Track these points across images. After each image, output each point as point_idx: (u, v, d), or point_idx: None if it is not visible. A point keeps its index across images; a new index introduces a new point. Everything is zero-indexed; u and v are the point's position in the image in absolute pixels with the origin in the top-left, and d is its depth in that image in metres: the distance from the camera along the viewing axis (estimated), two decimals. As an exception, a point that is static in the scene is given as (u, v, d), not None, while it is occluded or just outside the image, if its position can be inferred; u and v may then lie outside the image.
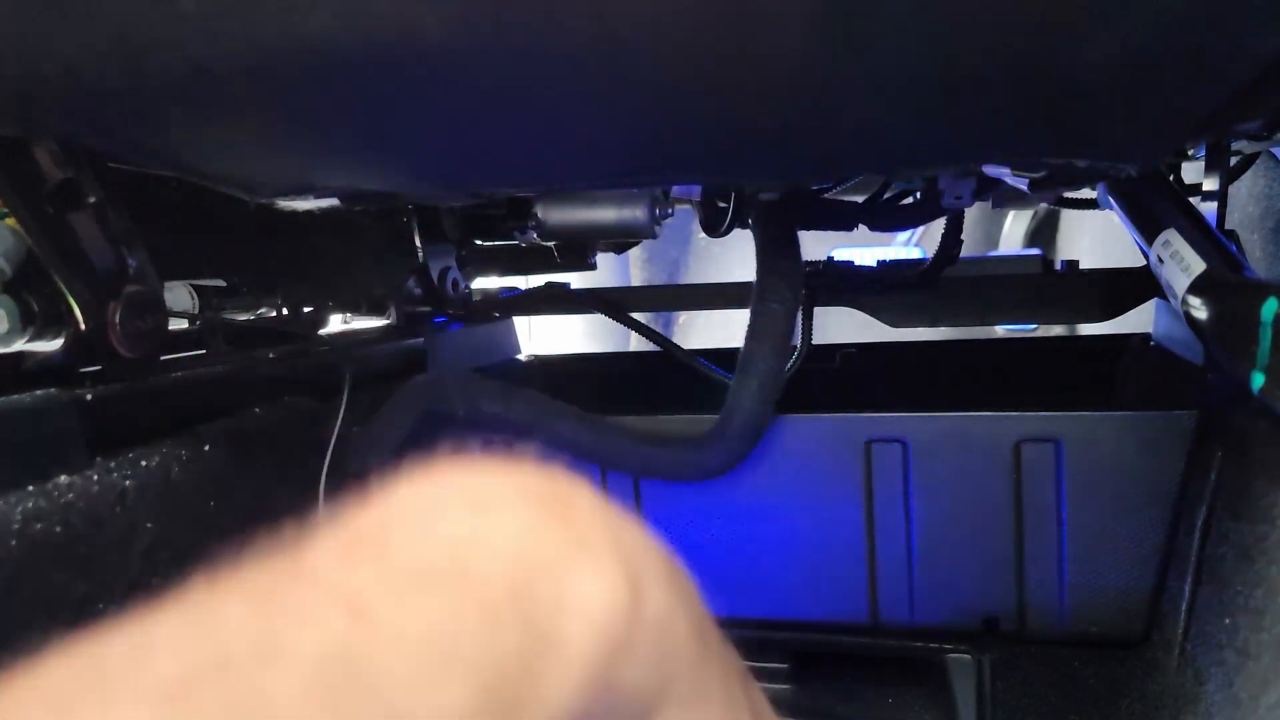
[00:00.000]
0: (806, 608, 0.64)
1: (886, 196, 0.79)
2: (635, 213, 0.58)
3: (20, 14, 0.30)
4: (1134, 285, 0.72)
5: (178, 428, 0.47)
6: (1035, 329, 1.45)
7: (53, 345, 0.47)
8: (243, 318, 0.63)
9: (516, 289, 0.91)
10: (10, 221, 0.45)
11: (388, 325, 0.75)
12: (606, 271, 1.07)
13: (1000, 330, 1.43)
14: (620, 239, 0.77)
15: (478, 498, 0.19)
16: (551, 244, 0.81)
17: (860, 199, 0.78)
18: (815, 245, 0.71)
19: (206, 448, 0.48)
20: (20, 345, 0.46)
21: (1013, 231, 1.92)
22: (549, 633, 0.17)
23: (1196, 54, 0.32)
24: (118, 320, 0.47)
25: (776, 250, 0.59)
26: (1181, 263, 0.51)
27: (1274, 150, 0.88)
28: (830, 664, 0.67)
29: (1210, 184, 0.60)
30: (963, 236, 0.73)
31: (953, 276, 0.74)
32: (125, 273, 0.48)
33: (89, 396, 0.43)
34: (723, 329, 2.14)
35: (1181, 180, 0.68)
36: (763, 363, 0.56)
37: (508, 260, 0.89)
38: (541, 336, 1.69)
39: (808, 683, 0.67)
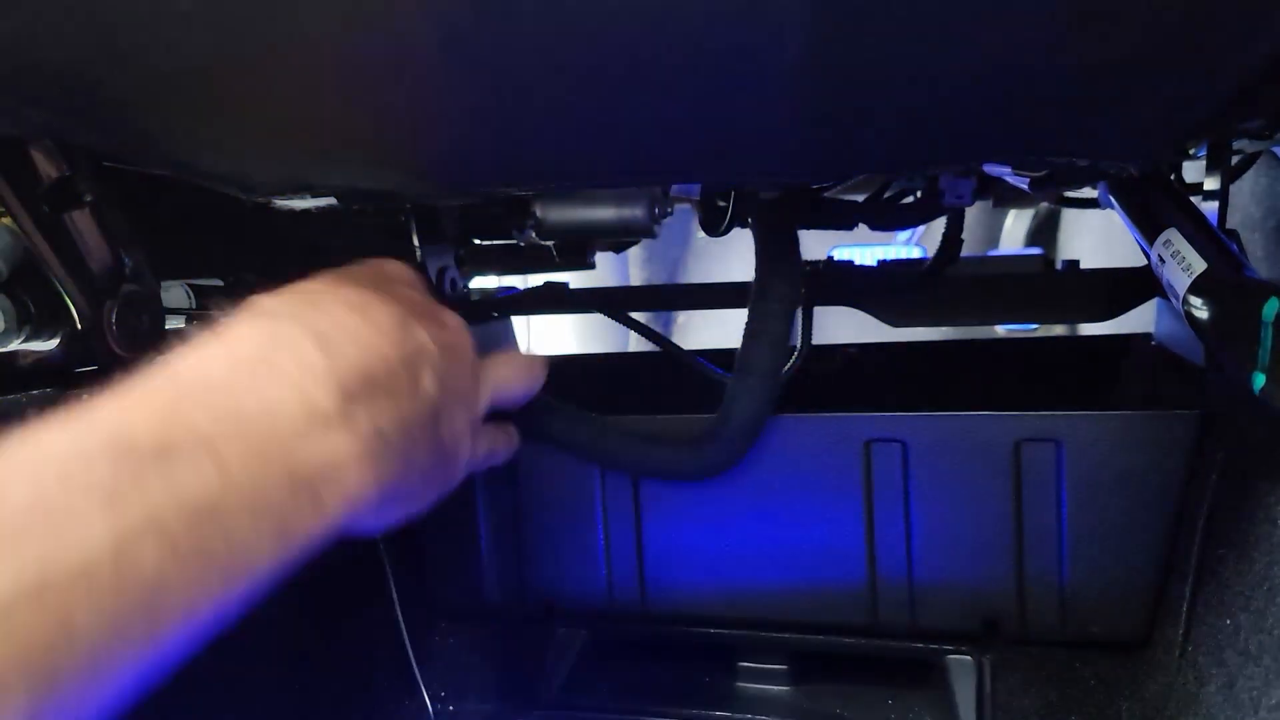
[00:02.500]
0: (805, 608, 0.64)
1: (887, 195, 0.79)
2: (635, 212, 0.58)
3: (17, 13, 0.30)
4: (1135, 285, 0.71)
5: (174, 428, 0.47)
6: (1036, 329, 1.45)
7: (49, 345, 0.47)
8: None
9: (515, 288, 0.90)
10: (6, 221, 0.45)
11: (386, 325, 0.74)
12: (606, 271, 1.07)
13: (1001, 330, 1.43)
14: (619, 238, 0.77)
15: None
16: (550, 243, 0.80)
17: (860, 198, 0.78)
18: (815, 245, 0.71)
19: (203, 448, 0.47)
20: (16, 345, 0.46)
21: (1013, 231, 1.92)
22: None
23: (1197, 54, 0.32)
24: (114, 320, 0.47)
25: (776, 250, 0.58)
26: (1183, 262, 0.51)
27: (1275, 149, 0.88)
28: (829, 665, 0.67)
29: (1211, 183, 0.60)
30: (963, 236, 0.73)
31: (953, 276, 0.74)
32: (122, 272, 0.48)
33: (85, 396, 0.43)
34: (723, 329, 2.14)
35: (1183, 180, 0.67)
36: (761, 362, 0.56)
37: (506, 259, 0.89)
38: (540, 336, 1.69)
39: (807, 684, 0.67)
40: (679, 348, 0.76)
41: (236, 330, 0.32)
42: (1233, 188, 0.78)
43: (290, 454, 0.29)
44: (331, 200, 0.47)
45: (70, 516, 0.23)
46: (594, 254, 0.88)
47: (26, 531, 0.22)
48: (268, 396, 0.30)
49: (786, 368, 0.60)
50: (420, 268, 0.75)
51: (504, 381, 0.46)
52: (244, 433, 0.28)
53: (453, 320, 0.42)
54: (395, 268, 0.43)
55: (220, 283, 0.61)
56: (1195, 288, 0.49)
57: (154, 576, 0.24)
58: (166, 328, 0.51)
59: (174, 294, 0.56)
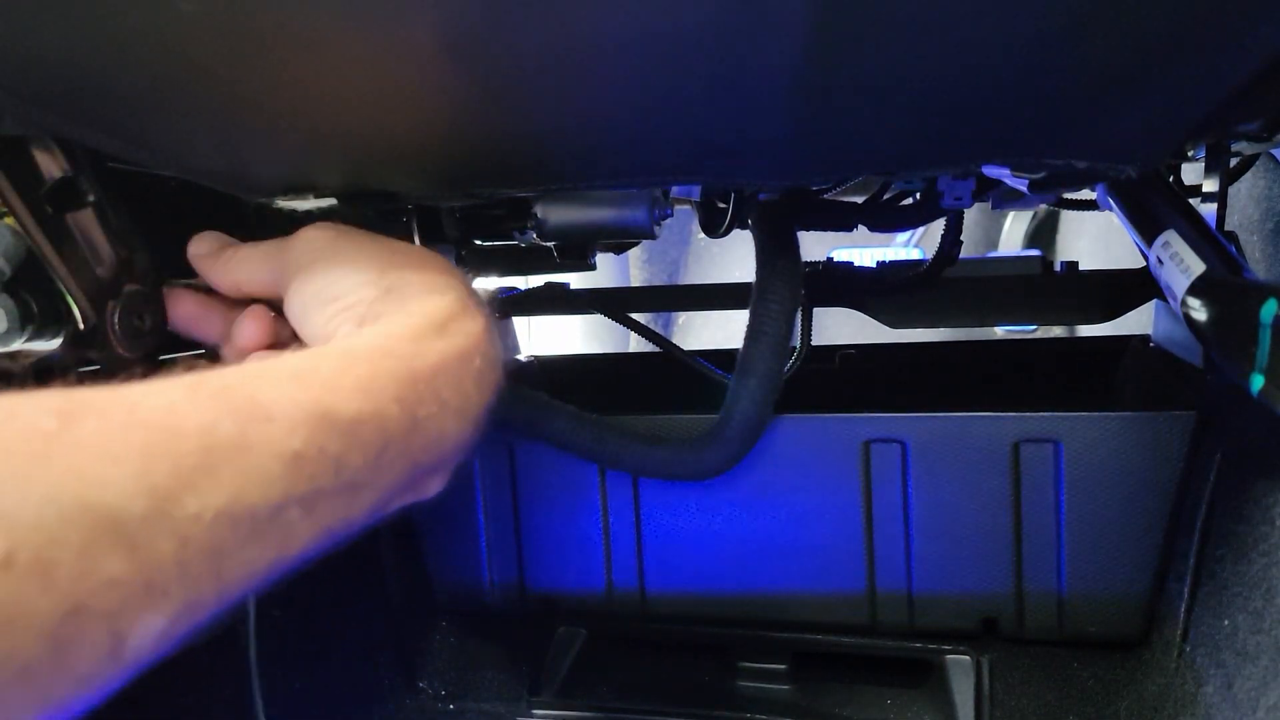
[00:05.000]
0: (805, 608, 0.64)
1: (886, 197, 0.79)
2: (635, 213, 0.58)
3: (19, 13, 0.30)
4: (1134, 286, 0.72)
5: (176, 427, 0.47)
6: (1034, 330, 1.46)
7: (51, 345, 0.47)
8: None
9: (516, 289, 0.91)
10: (9, 221, 0.45)
11: (387, 325, 0.74)
12: (606, 271, 1.07)
13: (999, 331, 1.43)
14: (620, 239, 0.77)
15: None
16: (551, 244, 0.81)
17: (860, 199, 0.78)
18: (815, 245, 0.71)
19: (205, 447, 0.47)
20: (19, 345, 0.46)
21: (1012, 232, 1.92)
22: None
23: (1196, 54, 0.32)
24: (117, 319, 0.47)
25: (776, 250, 0.59)
26: (1181, 264, 0.51)
27: (1274, 152, 0.88)
28: (829, 664, 0.67)
29: (1210, 185, 0.60)
30: (962, 237, 0.73)
31: (952, 277, 0.74)
32: (124, 272, 0.48)
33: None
34: (723, 329, 2.15)
35: (1181, 181, 0.68)
36: (762, 363, 0.56)
37: (507, 260, 0.89)
38: (541, 337, 1.69)
39: (806, 683, 0.67)
40: (679, 348, 0.76)
41: (450, 317, 0.37)
42: (1231, 190, 0.78)
43: (423, 456, 0.32)
44: (332, 201, 0.47)
45: (262, 466, 0.26)
46: (594, 255, 0.88)
47: (226, 464, 0.25)
48: (444, 404, 0.33)
49: (787, 368, 0.60)
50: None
51: None
52: (411, 434, 0.31)
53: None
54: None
55: (222, 282, 0.61)
56: (1194, 289, 0.50)
57: (292, 538, 0.27)
58: (168, 328, 0.52)
59: (176, 294, 0.56)
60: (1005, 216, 1.94)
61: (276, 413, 0.26)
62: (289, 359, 0.29)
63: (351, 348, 0.31)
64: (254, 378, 0.27)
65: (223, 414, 0.25)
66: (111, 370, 0.47)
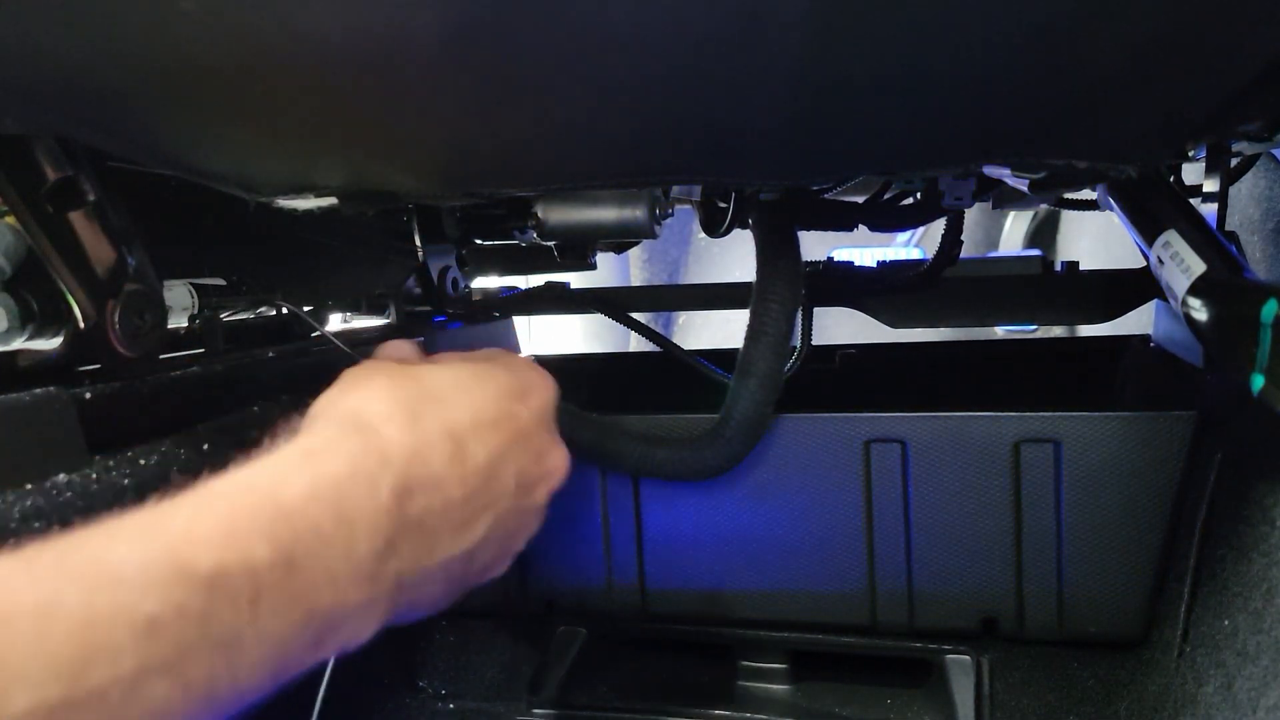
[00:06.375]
0: (805, 608, 0.64)
1: (887, 197, 0.79)
2: (635, 213, 0.58)
3: (20, 13, 0.30)
4: (1134, 286, 0.72)
5: (177, 426, 0.47)
6: (1035, 330, 1.46)
7: (52, 344, 0.47)
8: (242, 317, 0.63)
9: (516, 288, 0.91)
10: (10, 220, 0.45)
11: (387, 324, 0.75)
12: (606, 271, 1.07)
13: (1000, 331, 1.43)
14: (620, 239, 0.77)
15: None
16: (551, 244, 0.81)
17: (860, 199, 0.78)
18: (815, 245, 0.72)
19: (206, 446, 0.48)
20: (19, 344, 0.46)
21: (1013, 232, 1.92)
22: None
23: (1196, 54, 0.32)
24: (117, 319, 0.47)
25: (776, 250, 0.59)
26: (1181, 264, 0.51)
27: (1274, 152, 0.88)
28: (829, 664, 0.67)
29: (1210, 185, 0.60)
30: (963, 237, 0.73)
31: (953, 277, 0.74)
32: (125, 271, 0.48)
33: (88, 395, 0.43)
34: (723, 329, 2.15)
35: (1182, 181, 0.68)
36: (762, 362, 0.56)
37: (508, 260, 0.89)
38: (541, 336, 1.69)
39: (806, 683, 0.67)
40: (679, 348, 0.76)
41: (323, 445, 0.32)
42: (1232, 190, 0.78)
43: (315, 599, 0.29)
44: (333, 200, 0.47)
45: (110, 638, 0.23)
46: (595, 255, 0.88)
47: (68, 642, 0.22)
48: (324, 537, 0.30)
49: (787, 368, 0.60)
50: (424, 270, 0.76)
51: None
52: (289, 575, 0.28)
53: (554, 460, 0.41)
54: (535, 378, 0.43)
55: (223, 282, 0.61)
56: (1194, 289, 0.50)
57: (161, 709, 0.24)
58: (169, 326, 0.52)
59: (177, 293, 0.56)
60: (1005, 216, 1.94)
61: (126, 574, 0.24)
62: (142, 512, 0.27)
63: (211, 488, 0.29)
64: (101, 537, 0.25)
65: (64, 584, 0.23)
66: (112, 369, 0.47)
